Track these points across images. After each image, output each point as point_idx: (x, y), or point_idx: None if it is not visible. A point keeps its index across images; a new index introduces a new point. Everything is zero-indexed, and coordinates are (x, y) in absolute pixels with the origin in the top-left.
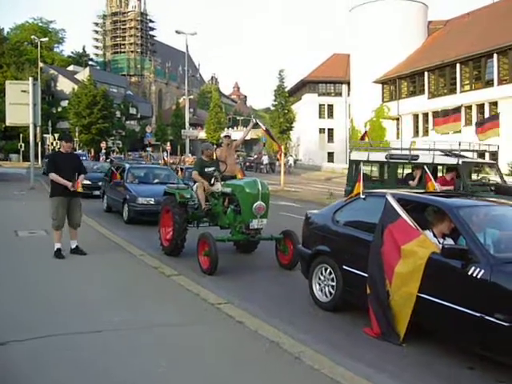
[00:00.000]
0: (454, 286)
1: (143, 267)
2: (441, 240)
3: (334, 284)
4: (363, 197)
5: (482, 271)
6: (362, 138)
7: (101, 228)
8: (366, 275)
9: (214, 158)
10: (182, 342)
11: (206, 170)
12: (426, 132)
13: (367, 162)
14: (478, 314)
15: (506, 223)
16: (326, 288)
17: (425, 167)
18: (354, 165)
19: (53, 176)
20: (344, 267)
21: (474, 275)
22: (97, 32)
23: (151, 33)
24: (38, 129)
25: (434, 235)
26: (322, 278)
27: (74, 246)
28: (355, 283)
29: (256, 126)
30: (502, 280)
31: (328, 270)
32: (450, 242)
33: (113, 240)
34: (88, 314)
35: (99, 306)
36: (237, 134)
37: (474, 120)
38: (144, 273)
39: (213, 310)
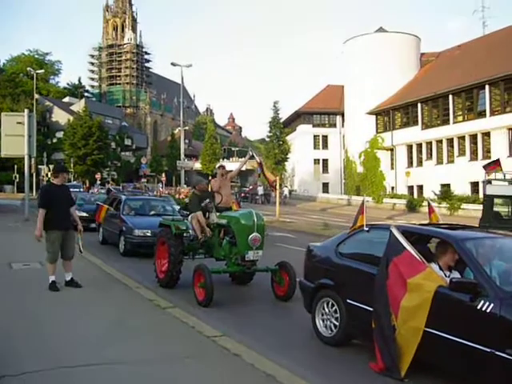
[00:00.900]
0: (462, 320)
1: (138, 300)
2: (447, 273)
3: (337, 317)
4: (367, 229)
5: (492, 305)
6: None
7: (96, 260)
8: (370, 309)
9: (209, 189)
10: (177, 376)
11: (202, 204)
12: (419, 162)
13: (503, 198)
14: (488, 350)
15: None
16: (329, 322)
17: (428, 199)
18: (491, 200)
19: (40, 213)
20: (348, 301)
21: (483, 309)
22: (92, 64)
23: (147, 64)
24: (33, 160)
25: (440, 268)
26: (325, 311)
27: (68, 279)
28: (359, 317)
29: (252, 157)
30: None
31: (331, 304)
32: (456, 275)
33: (108, 272)
34: (82, 348)
35: (93, 340)
36: (232, 165)
37: (468, 150)
38: (139, 305)
39: (208, 342)
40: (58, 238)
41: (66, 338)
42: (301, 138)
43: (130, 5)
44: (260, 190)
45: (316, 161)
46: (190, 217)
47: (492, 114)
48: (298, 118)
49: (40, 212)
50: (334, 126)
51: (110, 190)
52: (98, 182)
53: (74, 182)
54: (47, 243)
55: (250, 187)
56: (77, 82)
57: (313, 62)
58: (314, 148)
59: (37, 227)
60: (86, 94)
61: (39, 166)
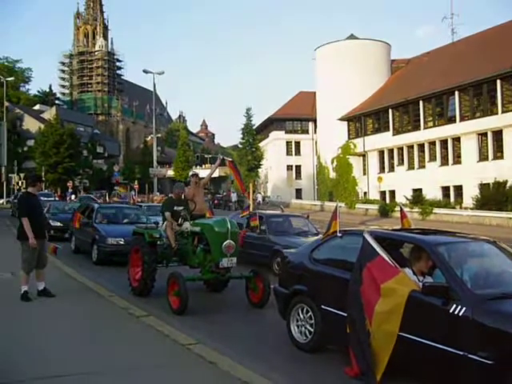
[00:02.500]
0: (435, 324)
1: (112, 308)
2: (420, 278)
3: (312, 323)
4: (340, 235)
5: (464, 308)
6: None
7: (69, 269)
8: (345, 314)
9: (183, 197)
10: None
11: (175, 208)
12: (391, 168)
13: None
14: (460, 353)
15: (483, 259)
16: (304, 328)
17: (400, 204)
18: None
19: (25, 223)
20: (322, 307)
21: (456, 313)
22: (63, 71)
23: (118, 72)
24: (4, 168)
25: (414, 273)
26: (299, 317)
27: (41, 288)
28: (334, 323)
29: (223, 162)
30: (484, 317)
31: (306, 310)
32: (429, 280)
33: (81, 281)
34: (56, 359)
35: (66, 350)
36: (205, 172)
37: (438, 155)
38: (113, 314)
39: (184, 350)
40: (38, 247)
41: (40, 349)
42: (273, 145)
43: (102, 12)
44: (234, 197)
45: (289, 167)
46: (163, 225)
47: (462, 119)
48: (271, 124)
49: (25, 221)
50: (307, 132)
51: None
52: (70, 191)
53: (46, 191)
54: (26, 252)
55: (224, 194)
56: (48, 90)
57: (285, 69)
58: (287, 154)
59: (29, 236)
60: (57, 102)
61: (10, 175)
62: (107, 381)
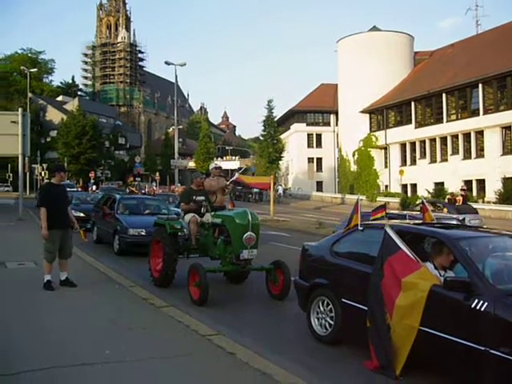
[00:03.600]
0: (456, 319)
1: (133, 299)
2: (441, 272)
3: (332, 316)
4: (361, 228)
5: (486, 303)
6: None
7: (91, 259)
8: (365, 308)
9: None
10: (173, 375)
11: (196, 198)
12: (413, 161)
13: None
14: (482, 348)
15: (505, 254)
16: (325, 321)
17: (423, 198)
18: None
19: (42, 213)
20: (343, 300)
21: (478, 308)
22: (86, 63)
23: (140, 63)
24: (27, 159)
25: (435, 267)
26: (320, 310)
27: (63, 278)
28: (354, 316)
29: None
30: (506, 312)
31: (326, 303)
32: (450, 274)
33: (103, 271)
34: (78, 347)
35: (89, 339)
36: (226, 164)
37: (461, 149)
38: (134, 304)
39: (204, 341)
40: (58, 237)
41: (62, 338)
42: (295, 137)
43: (124, 3)
44: (254, 189)
45: (310, 159)
46: (186, 217)
47: (485, 112)
48: (292, 116)
49: (42, 211)
50: (328, 124)
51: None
52: (92, 181)
53: (68, 181)
54: (47, 242)
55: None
56: (70, 81)
57: (307, 61)
58: (308, 147)
59: (42, 226)
60: (79, 93)
61: (33, 165)
62: (127, 369)
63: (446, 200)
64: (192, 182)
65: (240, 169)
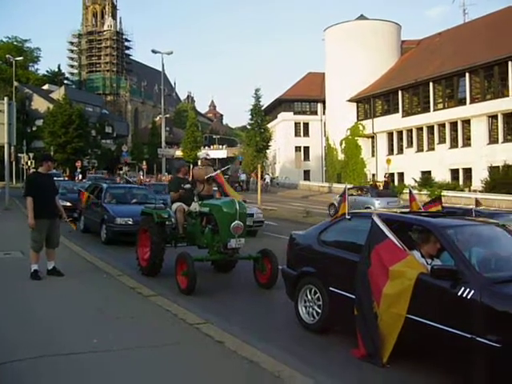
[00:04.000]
0: (443, 306)
1: (121, 288)
2: (428, 261)
3: (320, 304)
4: (349, 217)
5: (472, 291)
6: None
7: (78, 249)
8: (352, 296)
9: (190, 177)
10: (161, 364)
11: (184, 186)
12: (400, 150)
13: None
14: (469, 336)
15: (491, 242)
16: (312, 309)
17: (409, 187)
18: None
19: (28, 202)
20: (330, 288)
21: (464, 296)
22: (72, 51)
23: (127, 52)
24: (13, 148)
25: (422, 256)
26: (307, 299)
27: (51, 267)
28: (342, 304)
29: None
30: (492, 300)
31: (314, 291)
32: (437, 263)
33: (90, 261)
34: (65, 336)
35: (77, 328)
36: (213, 153)
37: (448, 138)
38: (122, 294)
39: (192, 330)
40: (45, 226)
41: (49, 327)
42: (282, 126)
43: None
44: (242, 177)
45: (297, 148)
46: (173, 206)
47: (472, 101)
48: (280, 105)
49: (28, 200)
50: (315, 113)
51: (128, 181)
52: (79, 170)
53: (54, 171)
54: (34, 232)
55: (230, 174)
56: (56, 70)
57: (294, 50)
58: (295, 135)
59: (29, 216)
60: (65, 82)
61: (19, 155)
62: (114, 358)
63: (369, 185)
64: (178, 171)
65: (227, 169)
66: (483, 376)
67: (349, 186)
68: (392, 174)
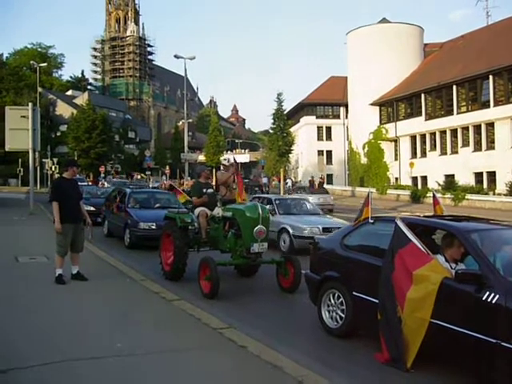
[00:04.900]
0: (467, 311)
1: (144, 292)
2: (453, 265)
3: (343, 309)
4: (372, 221)
5: (497, 296)
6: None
7: (102, 253)
8: (376, 301)
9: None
10: (184, 368)
11: (206, 191)
12: (423, 153)
13: None
14: (494, 341)
15: None
16: (335, 313)
17: (433, 191)
18: None
19: (54, 206)
20: (354, 293)
21: (489, 300)
22: (95, 57)
23: (150, 57)
24: (37, 153)
25: (446, 260)
26: (330, 303)
27: (75, 272)
28: (365, 309)
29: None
30: None
31: (337, 296)
32: (462, 267)
33: (114, 265)
34: (89, 341)
35: (100, 332)
36: (236, 157)
37: (472, 141)
38: (145, 298)
39: (215, 334)
40: (70, 231)
41: (74, 331)
42: (304, 130)
43: None
44: (264, 180)
45: (320, 152)
46: (196, 211)
47: (496, 104)
48: (302, 109)
49: (54, 205)
50: (338, 117)
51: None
52: (102, 175)
53: (77, 176)
54: (59, 236)
55: (252, 178)
56: (80, 75)
57: (316, 54)
58: (318, 139)
59: (55, 220)
60: (89, 87)
61: (43, 160)
62: (138, 362)
63: (308, 184)
64: (199, 176)
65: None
66: (508, 382)
67: (371, 189)
68: (415, 178)
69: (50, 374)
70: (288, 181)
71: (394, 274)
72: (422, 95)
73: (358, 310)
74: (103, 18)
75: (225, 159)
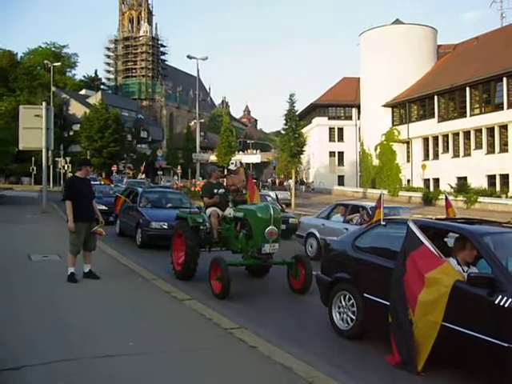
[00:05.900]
0: (480, 315)
1: (156, 292)
2: (465, 268)
3: (354, 310)
4: (384, 223)
5: (510, 300)
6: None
7: (113, 252)
8: (387, 303)
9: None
10: (194, 368)
11: (218, 191)
12: (436, 155)
13: None
14: (505, 344)
15: None
16: (346, 315)
17: (445, 193)
18: None
19: (67, 206)
20: (365, 295)
21: (501, 304)
22: (109, 56)
23: (162, 57)
24: (50, 152)
25: (458, 263)
26: (341, 305)
27: (87, 270)
28: (376, 311)
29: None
30: None
31: (348, 297)
32: (474, 270)
33: (125, 264)
34: (101, 339)
35: (112, 331)
36: (247, 158)
37: (485, 143)
38: (156, 297)
39: (226, 334)
40: (83, 229)
41: (86, 330)
42: (316, 131)
43: None
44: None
45: (332, 153)
46: (208, 211)
47: (509, 106)
48: (314, 110)
49: (68, 204)
50: (350, 118)
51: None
52: (115, 174)
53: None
54: (72, 235)
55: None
56: (93, 75)
57: (329, 55)
58: (330, 140)
59: (69, 219)
60: (102, 87)
61: (56, 159)
62: (150, 361)
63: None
64: (210, 176)
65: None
66: None
67: (383, 191)
68: (427, 180)
69: (64, 371)
70: (290, 182)
71: (406, 277)
72: (435, 97)
73: (369, 311)
74: (116, 18)
75: (232, 163)
